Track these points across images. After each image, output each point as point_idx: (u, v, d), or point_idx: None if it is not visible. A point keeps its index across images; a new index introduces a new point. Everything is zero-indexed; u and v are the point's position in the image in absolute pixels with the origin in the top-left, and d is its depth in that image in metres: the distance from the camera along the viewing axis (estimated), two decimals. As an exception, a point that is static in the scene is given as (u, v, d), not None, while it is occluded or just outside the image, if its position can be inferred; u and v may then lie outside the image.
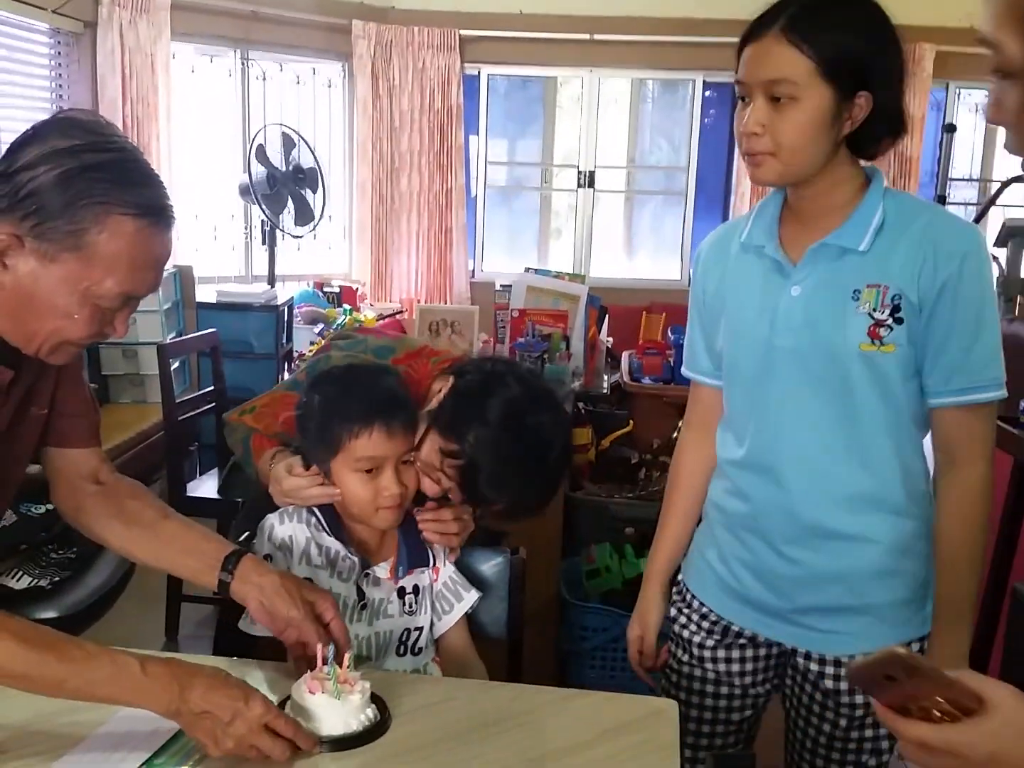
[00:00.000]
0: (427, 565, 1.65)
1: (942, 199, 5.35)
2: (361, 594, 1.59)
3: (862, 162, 1.50)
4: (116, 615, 2.64)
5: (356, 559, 1.59)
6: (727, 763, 1.17)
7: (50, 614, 2.44)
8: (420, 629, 1.65)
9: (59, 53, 4.75)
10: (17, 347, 1.32)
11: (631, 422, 4.04)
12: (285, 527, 1.60)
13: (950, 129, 5.59)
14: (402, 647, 1.64)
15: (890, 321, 1.43)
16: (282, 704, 1.34)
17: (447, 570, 1.69)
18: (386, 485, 1.54)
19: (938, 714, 0.88)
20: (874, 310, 1.43)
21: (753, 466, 1.56)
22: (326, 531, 1.59)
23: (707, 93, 6.53)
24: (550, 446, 1.57)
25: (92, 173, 1.23)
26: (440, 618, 1.67)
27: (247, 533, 1.75)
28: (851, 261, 1.46)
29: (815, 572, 1.53)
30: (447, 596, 1.68)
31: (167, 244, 1.32)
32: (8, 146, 1.27)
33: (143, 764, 1.24)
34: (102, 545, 2.68)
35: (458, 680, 1.59)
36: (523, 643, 1.83)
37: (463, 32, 6.19)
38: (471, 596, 1.68)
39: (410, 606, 1.63)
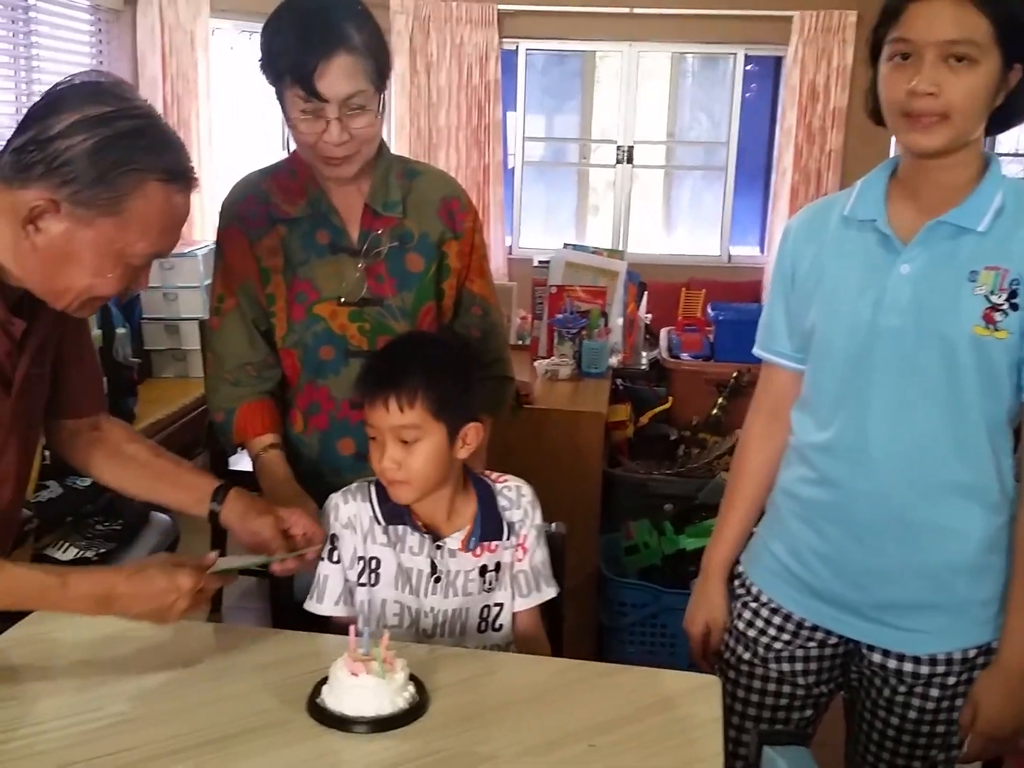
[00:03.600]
0: (500, 538, 1.62)
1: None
2: (434, 567, 1.58)
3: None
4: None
5: (423, 534, 1.58)
6: (773, 739, 1.15)
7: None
8: (500, 605, 1.64)
9: (99, 30, 4.77)
10: (44, 300, 1.37)
11: (670, 399, 4.03)
12: (349, 507, 1.60)
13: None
14: (483, 623, 1.63)
15: (1006, 306, 1.38)
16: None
17: (538, 556, 1.65)
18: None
19: None
20: (991, 292, 1.38)
21: (840, 451, 1.49)
22: (379, 516, 1.58)
23: (748, 67, 6.45)
24: None
25: (126, 141, 1.27)
26: (514, 598, 1.65)
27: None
28: (969, 241, 1.41)
29: (900, 564, 1.48)
30: (528, 581, 1.65)
31: (189, 205, 1.39)
32: (30, 110, 1.30)
33: None
34: (147, 517, 2.75)
35: (497, 654, 1.60)
36: (563, 618, 1.83)
37: (501, 7, 6.16)
38: (550, 591, 1.67)
39: (490, 583, 1.62)
